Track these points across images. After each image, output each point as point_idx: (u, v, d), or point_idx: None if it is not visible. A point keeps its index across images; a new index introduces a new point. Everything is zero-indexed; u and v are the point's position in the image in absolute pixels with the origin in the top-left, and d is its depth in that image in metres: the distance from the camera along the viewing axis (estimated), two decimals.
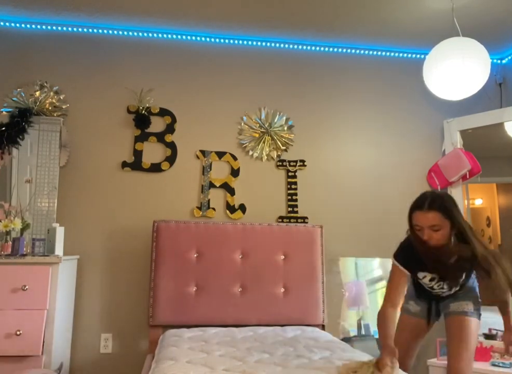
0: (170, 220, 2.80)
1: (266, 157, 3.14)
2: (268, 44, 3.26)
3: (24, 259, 2.33)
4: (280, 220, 3.08)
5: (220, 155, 3.09)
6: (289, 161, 3.15)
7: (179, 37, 3.17)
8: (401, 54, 3.41)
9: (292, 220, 3.07)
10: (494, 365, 2.46)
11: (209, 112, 3.14)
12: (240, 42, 3.23)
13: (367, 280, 3.03)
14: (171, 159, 3.03)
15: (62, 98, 2.96)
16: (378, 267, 3.07)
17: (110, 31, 3.09)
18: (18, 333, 2.23)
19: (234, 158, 3.10)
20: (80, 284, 2.82)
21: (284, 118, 3.20)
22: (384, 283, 2.96)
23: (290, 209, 3.09)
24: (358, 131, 3.29)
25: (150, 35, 3.13)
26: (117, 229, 2.91)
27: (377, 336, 2.88)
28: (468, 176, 3.06)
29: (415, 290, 2.11)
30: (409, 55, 3.41)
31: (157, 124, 3.06)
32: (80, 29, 3.07)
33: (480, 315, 1.99)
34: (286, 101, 3.24)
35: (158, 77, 3.11)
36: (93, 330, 2.80)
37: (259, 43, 3.25)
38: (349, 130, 3.29)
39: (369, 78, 3.36)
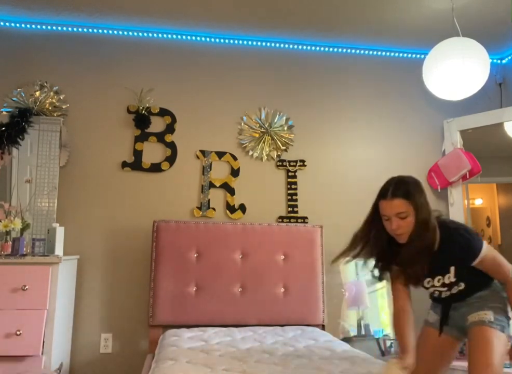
0: (170, 220, 2.80)
1: (266, 157, 3.14)
2: (268, 44, 3.26)
3: (24, 259, 2.33)
4: (280, 220, 3.08)
5: (220, 155, 3.09)
6: (289, 161, 3.15)
7: (179, 37, 3.17)
8: (401, 54, 3.41)
9: (292, 220, 3.07)
10: None
11: (209, 112, 3.14)
12: (240, 42, 3.23)
13: (367, 280, 3.03)
14: (171, 159, 3.03)
15: (62, 98, 2.96)
16: None
17: (110, 31, 3.09)
18: (18, 333, 2.23)
19: (234, 158, 3.10)
20: (80, 284, 2.82)
21: (284, 118, 3.20)
22: (384, 283, 2.96)
23: (290, 209, 3.09)
24: (358, 131, 3.29)
25: (150, 35, 3.14)
26: (117, 229, 2.91)
27: (377, 336, 2.89)
28: (468, 176, 3.06)
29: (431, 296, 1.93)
30: (409, 55, 3.41)
31: (157, 124, 3.06)
32: (80, 29, 3.07)
33: (504, 327, 1.71)
34: (286, 101, 3.24)
35: (158, 77, 3.11)
36: (93, 330, 2.81)
37: (259, 43, 3.25)
38: (349, 130, 3.29)
39: (369, 78, 3.36)
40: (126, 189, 2.97)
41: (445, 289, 1.81)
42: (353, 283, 3.01)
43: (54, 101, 2.93)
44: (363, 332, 2.92)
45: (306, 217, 3.10)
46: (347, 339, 2.82)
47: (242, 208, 3.05)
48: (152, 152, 3.03)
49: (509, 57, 3.43)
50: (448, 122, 3.25)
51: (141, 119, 3.00)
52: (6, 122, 2.73)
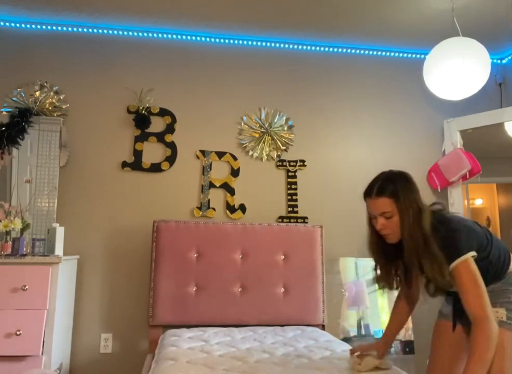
0: (170, 220, 2.80)
1: (266, 157, 3.14)
2: (268, 44, 3.26)
3: (24, 259, 2.33)
4: (280, 220, 3.08)
5: (220, 155, 3.09)
6: (289, 161, 3.15)
7: (179, 37, 3.17)
8: (401, 54, 3.41)
9: (292, 220, 3.07)
10: None
11: (209, 112, 3.14)
12: (240, 42, 3.23)
13: (367, 280, 3.03)
14: (171, 159, 3.03)
15: (62, 98, 2.96)
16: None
17: (110, 31, 3.09)
18: (18, 333, 2.23)
19: (234, 158, 3.10)
20: (80, 284, 2.82)
21: (284, 118, 3.20)
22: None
23: (290, 209, 3.09)
24: (358, 131, 3.29)
25: (150, 35, 3.14)
26: (117, 229, 2.92)
27: (377, 336, 2.88)
28: (468, 176, 3.06)
29: None
30: (409, 55, 3.41)
31: (157, 124, 3.06)
32: (80, 29, 3.07)
33: None
34: (286, 101, 3.24)
35: (158, 77, 3.11)
36: (93, 330, 2.81)
37: (259, 43, 3.25)
38: (349, 130, 3.29)
39: (369, 78, 3.36)
40: (126, 189, 2.97)
41: None
42: (353, 283, 3.01)
43: (54, 101, 2.93)
44: (363, 332, 2.92)
45: (306, 217, 3.10)
46: (347, 339, 2.82)
47: (242, 208, 3.05)
48: (152, 152, 3.03)
49: (509, 57, 3.43)
50: (448, 122, 3.25)
51: (141, 119, 3.00)
52: (6, 122, 2.73)
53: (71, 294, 2.72)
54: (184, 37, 3.17)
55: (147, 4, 2.80)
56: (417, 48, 3.32)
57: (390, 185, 1.57)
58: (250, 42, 3.24)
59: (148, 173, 3.00)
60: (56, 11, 2.87)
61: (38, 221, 2.71)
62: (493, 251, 1.63)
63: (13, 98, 2.88)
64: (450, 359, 1.72)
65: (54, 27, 3.04)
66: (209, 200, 3.02)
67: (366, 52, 3.37)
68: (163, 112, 3.07)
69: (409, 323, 2.95)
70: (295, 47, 3.29)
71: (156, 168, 3.01)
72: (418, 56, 3.40)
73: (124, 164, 2.98)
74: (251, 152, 3.12)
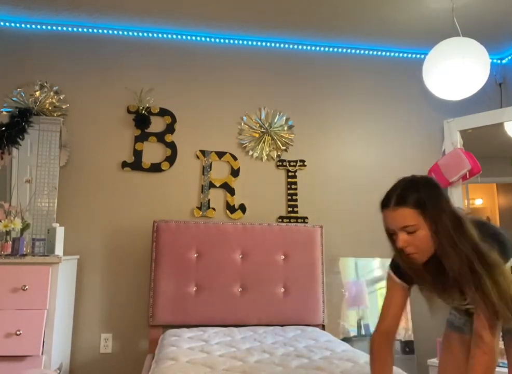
0: (170, 220, 2.80)
1: (266, 157, 3.14)
2: (268, 44, 3.26)
3: (24, 259, 2.33)
4: (280, 220, 3.08)
5: (220, 155, 3.09)
6: (289, 161, 3.15)
7: (179, 37, 3.17)
8: (401, 54, 3.41)
9: (292, 220, 3.07)
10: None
11: (209, 112, 3.14)
12: (240, 42, 3.23)
13: (367, 280, 3.03)
14: (171, 159, 3.03)
15: (62, 98, 2.96)
16: (378, 267, 3.07)
17: (110, 31, 3.09)
18: (18, 333, 2.23)
19: (234, 158, 3.10)
20: (80, 284, 2.82)
21: (284, 118, 3.20)
22: (384, 283, 2.96)
23: (290, 209, 3.09)
24: (358, 131, 3.29)
25: (150, 35, 3.13)
26: (117, 229, 2.91)
27: None
28: (468, 176, 3.06)
29: None
30: (409, 55, 3.41)
31: (157, 124, 3.06)
32: (80, 29, 3.07)
33: None
34: (286, 101, 3.24)
35: (158, 77, 3.11)
36: (93, 330, 2.80)
37: (259, 43, 3.25)
38: (349, 129, 3.29)
39: (369, 78, 3.36)
40: (126, 189, 2.97)
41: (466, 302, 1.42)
42: (353, 283, 3.01)
43: (54, 101, 2.93)
44: (363, 332, 2.92)
45: (306, 217, 3.10)
46: (347, 339, 2.82)
47: (242, 208, 3.05)
48: (152, 152, 3.03)
49: (509, 57, 3.43)
50: (448, 122, 3.25)
51: (141, 119, 3.00)
52: (6, 122, 2.73)
53: (71, 294, 2.72)
54: (184, 37, 3.17)
55: (147, 4, 2.80)
56: (417, 48, 3.32)
57: (413, 193, 1.29)
58: (250, 42, 3.24)
59: (148, 173, 3.00)
60: (56, 11, 2.87)
61: (38, 221, 2.71)
62: None
63: (13, 98, 2.88)
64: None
65: (54, 27, 3.04)
66: (208, 200, 3.02)
67: (366, 52, 3.37)
68: (163, 112, 3.07)
69: (410, 323, 2.95)
70: (295, 47, 3.29)
71: (156, 168, 3.01)
72: (418, 56, 3.40)
73: (124, 164, 2.98)
74: (251, 152, 3.12)
